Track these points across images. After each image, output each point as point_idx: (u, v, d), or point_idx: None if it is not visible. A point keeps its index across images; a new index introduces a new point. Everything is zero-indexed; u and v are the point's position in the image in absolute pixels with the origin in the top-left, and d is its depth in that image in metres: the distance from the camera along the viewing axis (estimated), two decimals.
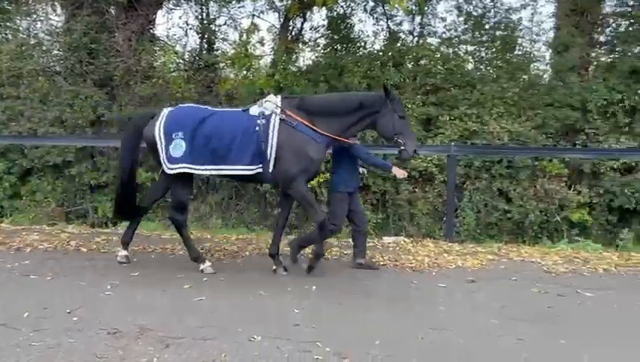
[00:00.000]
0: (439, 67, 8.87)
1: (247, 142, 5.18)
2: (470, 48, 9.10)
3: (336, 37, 9.38)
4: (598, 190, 8.09)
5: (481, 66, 8.93)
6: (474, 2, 9.28)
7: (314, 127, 5.25)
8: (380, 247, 6.83)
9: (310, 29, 9.61)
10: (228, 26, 9.79)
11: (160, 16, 10.10)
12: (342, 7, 9.57)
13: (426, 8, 9.24)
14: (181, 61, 9.59)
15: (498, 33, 8.92)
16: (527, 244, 7.45)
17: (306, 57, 9.68)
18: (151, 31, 9.75)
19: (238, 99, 8.84)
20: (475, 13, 9.18)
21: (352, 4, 9.62)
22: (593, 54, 8.87)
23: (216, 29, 9.71)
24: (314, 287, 5.05)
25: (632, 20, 8.38)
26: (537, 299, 4.90)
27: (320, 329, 4.01)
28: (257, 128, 5.19)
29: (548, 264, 6.08)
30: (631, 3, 8.57)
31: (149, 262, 5.95)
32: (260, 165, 5.20)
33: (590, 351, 3.72)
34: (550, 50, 9.06)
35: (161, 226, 8.06)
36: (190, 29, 9.65)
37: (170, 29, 9.79)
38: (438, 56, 8.95)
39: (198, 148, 5.15)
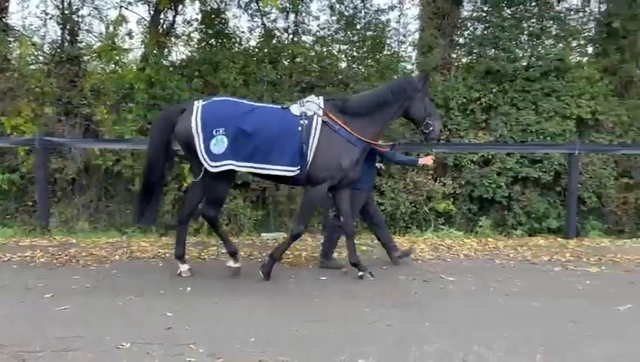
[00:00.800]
0: (314, 65, 9.02)
1: (290, 143, 4.98)
2: (343, 47, 9.34)
3: (210, 32, 9.17)
4: (461, 181, 8.68)
5: (354, 65, 9.20)
6: (345, 2, 9.54)
7: (353, 132, 5.11)
8: (259, 244, 6.83)
9: (183, 23, 9.31)
10: (92, 16, 9.20)
11: (14, 4, 9.24)
12: (216, 1, 9.40)
13: (300, 7, 9.33)
14: (40, 53, 8.84)
15: (368, 33, 9.25)
16: (399, 234, 7.86)
17: (179, 52, 9.37)
18: (3, 20, 8.89)
19: (106, 94, 8.36)
20: (346, 13, 9.44)
21: None
22: (454, 55, 9.51)
23: (80, 20, 9.07)
24: (189, 288, 4.92)
25: (487, 24, 9.09)
26: (405, 286, 5.17)
27: (194, 330, 3.92)
28: (300, 129, 5.00)
29: (415, 252, 6.44)
30: (486, 8, 9.28)
31: (5, 272, 5.43)
32: (299, 167, 5.00)
33: (450, 330, 4.00)
34: (416, 51, 9.57)
35: (21, 232, 7.41)
36: (50, 18, 8.93)
37: (25, 18, 8.93)
38: (313, 54, 9.09)
39: (240, 144, 4.89)
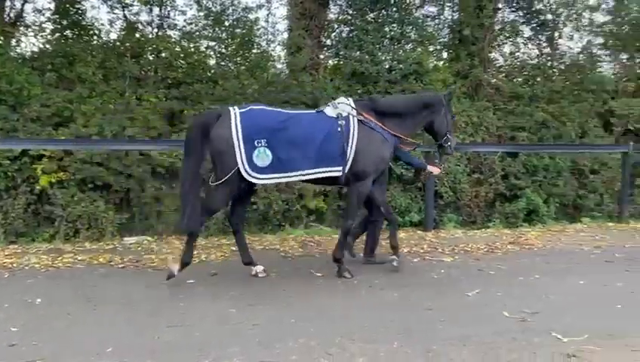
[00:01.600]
0: (181, 61, 8.76)
1: (332, 144, 5.12)
2: (212, 44, 9.18)
3: (65, 22, 8.54)
4: None
5: (223, 62, 9.09)
6: None
7: (386, 128, 5.34)
8: (120, 249, 6.47)
9: (33, 12, 8.56)
10: None
11: None
12: None
13: (165, 0, 9.01)
14: None
15: (237, 31, 9.18)
16: (272, 233, 7.89)
17: (29, 43, 8.60)
18: None
19: None
20: (214, 9, 9.29)
21: None
22: (322, 56, 9.76)
23: None
24: (38, 300, 4.52)
25: (352, 27, 9.44)
26: (274, 284, 5.19)
27: (42, 345, 3.61)
28: (339, 130, 5.15)
29: (285, 250, 6.50)
30: (351, 11, 9.63)
31: None
32: (341, 166, 5.11)
33: (316, 325, 4.08)
34: (285, 50, 9.67)
35: None
36: None
37: None
38: (179, 49, 8.82)
39: (284, 155, 4.92)
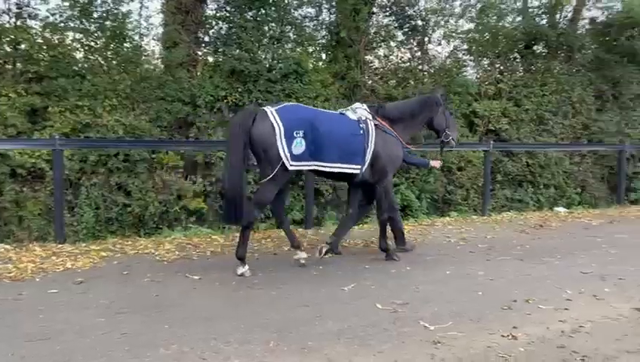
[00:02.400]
0: (43, 53, 8.08)
1: (355, 144, 5.70)
2: (78, 36, 8.55)
3: None
4: (211, 179, 8.71)
5: (91, 56, 8.50)
6: None
7: (395, 132, 6.07)
8: None
9: None
10: None
11: None
12: None
13: None
14: None
15: (107, 23, 8.64)
16: (149, 236, 7.54)
17: None
18: None
19: None
20: (81, 0, 8.65)
21: None
22: (200, 53, 9.49)
23: None
24: None
25: (231, 24, 9.27)
26: (147, 290, 4.95)
27: None
28: (361, 132, 5.75)
29: (161, 253, 6.25)
30: (229, 8, 9.46)
31: None
32: (360, 165, 5.72)
33: (190, 329, 3.95)
34: (160, 46, 9.28)
35: None
36: None
37: None
38: (42, 41, 8.13)
39: (315, 146, 5.41)
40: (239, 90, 8.94)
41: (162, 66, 9.12)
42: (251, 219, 5.49)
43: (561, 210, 10.17)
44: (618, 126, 11.68)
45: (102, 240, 7.06)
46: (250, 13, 9.33)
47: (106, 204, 8.10)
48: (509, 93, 10.96)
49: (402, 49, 10.82)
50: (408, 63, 10.83)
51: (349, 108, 6.13)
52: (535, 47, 11.64)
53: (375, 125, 5.92)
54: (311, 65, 9.73)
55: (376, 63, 10.74)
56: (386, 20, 10.78)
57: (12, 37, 8.03)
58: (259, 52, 9.29)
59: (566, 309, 4.47)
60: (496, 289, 5.03)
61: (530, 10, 12.22)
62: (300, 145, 5.33)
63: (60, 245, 6.44)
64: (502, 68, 11.42)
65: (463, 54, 11.44)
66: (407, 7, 10.67)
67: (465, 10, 11.38)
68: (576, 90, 11.36)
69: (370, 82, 10.27)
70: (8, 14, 8.27)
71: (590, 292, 4.93)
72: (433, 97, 6.55)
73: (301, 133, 5.32)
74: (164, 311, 4.34)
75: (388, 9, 10.70)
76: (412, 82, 10.55)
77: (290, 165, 5.31)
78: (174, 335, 3.85)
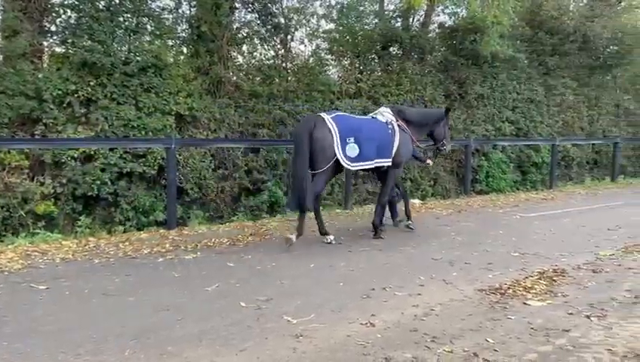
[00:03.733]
0: None
1: (386, 142, 7.17)
2: None
3: None
4: (62, 180, 8.05)
5: None
6: None
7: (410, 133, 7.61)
8: None
9: None
10: None
11: None
12: None
13: None
14: None
15: None
16: None
17: None
18: None
19: None
20: None
21: None
22: (46, 43, 8.71)
23: None
24: None
25: (80, 14, 8.60)
26: None
27: None
28: (390, 132, 7.24)
29: (2, 262, 5.63)
30: None
31: None
32: (390, 158, 7.21)
33: (35, 344, 3.59)
34: None
35: None
36: None
37: None
38: None
39: (363, 148, 6.83)
40: (91, 83, 8.35)
41: (0, 57, 8.22)
42: (312, 205, 6.77)
43: (415, 201, 10.86)
44: (464, 123, 12.74)
45: None
46: (102, 3, 8.74)
47: None
48: (368, 92, 11.44)
49: (266, 46, 10.82)
50: (272, 61, 10.86)
51: (377, 112, 7.60)
52: (391, 49, 12.27)
53: (398, 125, 7.36)
54: (171, 60, 9.37)
55: (240, 59, 10.62)
56: (249, 17, 10.70)
57: None
58: (113, 44, 8.74)
59: (419, 294, 4.76)
60: (356, 279, 5.22)
61: (386, 13, 12.87)
62: (354, 150, 6.72)
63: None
64: (361, 68, 11.89)
65: (325, 53, 11.72)
66: (269, 5, 10.69)
67: (326, 11, 11.67)
68: (428, 90, 12.19)
69: (234, 78, 10.13)
70: None
71: (440, 277, 5.30)
72: (442, 111, 8.17)
73: (352, 139, 6.71)
74: (2, 327, 3.90)
75: (251, 5, 10.62)
76: (277, 80, 10.60)
77: (349, 165, 6.77)
78: (15, 352, 3.47)
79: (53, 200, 8.04)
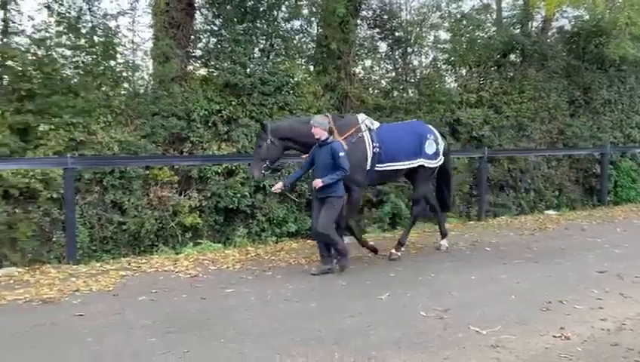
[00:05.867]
0: (33, 71, 7.82)
1: None
2: (68, 52, 8.31)
3: None
4: (206, 193, 8.60)
5: (82, 73, 8.27)
6: (66, 3, 8.50)
7: None
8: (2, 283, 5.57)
9: None
10: None
11: None
12: None
13: (9, 6, 7.97)
14: None
15: (97, 39, 8.43)
16: (146, 254, 7.39)
17: None
18: None
19: None
20: (68, 15, 8.42)
21: None
22: (191, 67, 9.40)
23: None
24: None
25: (220, 38, 9.23)
26: (185, 307, 4.87)
27: None
28: None
29: (181, 269, 6.15)
30: (217, 22, 9.44)
31: None
32: None
33: (241, 345, 3.92)
34: (152, 60, 9.13)
35: None
36: None
37: None
38: (31, 58, 7.87)
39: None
40: (233, 103, 8.90)
41: (153, 81, 8.97)
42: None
43: (551, 213, 10.56)
44: (590, 130, 12.25)
45: (112, 259, 6.86)
46: (240, 27, 9.32)
47: (101, 222, 7.89)
48: (489, 101, 11.32)
49: (387, 60, 11.02)
50: (393, 74, 11.05)
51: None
52: (511, 56, 12.08)
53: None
54: (302, 78, 9.79)
55: (363, 74, 10.89)
56: (370, 32, 10.96)
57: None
58: (250, 65, 9.29)
59: (601, 308, 4.68)
60: (526, 292, 5.21)
61: (504, 20, 12.69)
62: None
63: (75, 266, 6.23)
64: (481, 76, 11.79)
65: (443, 64, 11.74)
66: (389, 20, 10.90)
67: (444, 22, 11.70)
68: (551, 97, 11.86)
69: (358, 93, 10.40)
70: None
71: (616, 291, 5.17)
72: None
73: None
74: (213, 329, 4.28)
75: (372, 21, 10.89)
76: (397, 92, 10.77)
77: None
78: (235, 352, 3.81)
79: (198, 212, 8.61)
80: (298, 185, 9.05)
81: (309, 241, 8.03)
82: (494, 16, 12.78)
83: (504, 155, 11.13)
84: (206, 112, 8.69)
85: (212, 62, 9.23)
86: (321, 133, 6.04)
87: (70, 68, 8.33)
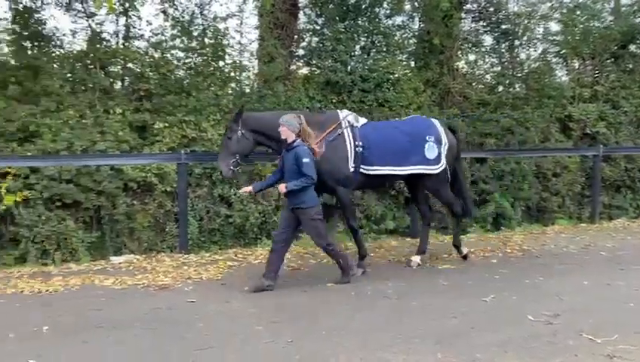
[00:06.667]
0: (151, 72, 8.41)
1: None
2: (181, 54, 8.86)
3: (25, 33, 7.98)
4: None
5: (194, 73, 8.78)
6: (180, 8, 9.07)
7: None
8: (111, 269, 6.08)
9: None
10: None
11: None
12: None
13: (130, 12, 8.63)
14: None
15: (207, 41, 8.91)
16: (249, 247, 7.69)
17: None
18: None
19: None
20: (182, 19, 8.97)
21: None
22: (294, 66, 9.65)
23: None
24: (45, 328, 4.15)
25: (322, 37, 9.40)
26: (286, 298, 5.03)
27: None
28: None
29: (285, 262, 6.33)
30: (319, 21, 9.61)
31: None
32: None
33: (344, 337, 3.97)
34: (257, 60, 9.48)
35: None
36: None
37: None
38: (149, 60, 8.48)
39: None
40: (333, 100, 9.02)
41: (258, 81, 9.31)
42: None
43: None
44: None
45: (220, 250, 7.22)
46: (342, 25, 9.42)
47: (210, 215, 8.31)
48: (605, 96, 10.57)
49: (492, 54, 10.64)
50: (498, 68, 10.64)
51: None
52: (631, 47, 11.19)
53: None
54: (403, 74, 9.71)
55: (466, 69, 10.59)
56: (474, 25, 10.64)
57: (122, 58, 8.41)
58: (351, 62, 9.36)
59: None
60: None
61: (623, 9, 11.78)
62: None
63: (186, 255, 6.64)
64: (596, 69, 11.04)
65: (554, 57, 11.12)
66: (495, 12, 10.50)
67: (555, 12, 11.08)
68: None
69: (461, 88, 10.13)
70: (117, 36, 8.67)
71: None
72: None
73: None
74: (315, 321, 4.38)
75: (477, 14, 10.55)
76: (502, 88, 10.37)
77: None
78: (337, 345, 3.87)
79: None
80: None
81: (407, 239, 7.95)
82: (612, 5, 11.88)
83: (621, 153, 10.34)
84: (307, 110, 8.88)
85: (314, 61, 9.41)
86: (287, 135, 5.35)
87: (183, 69, 8.87)
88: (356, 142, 5.82)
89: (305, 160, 5.20)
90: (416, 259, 6.30)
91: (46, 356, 3.64)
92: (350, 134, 5.88)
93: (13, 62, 7.74)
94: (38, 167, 6.89)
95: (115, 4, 7.32)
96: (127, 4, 8.34)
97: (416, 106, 9.41)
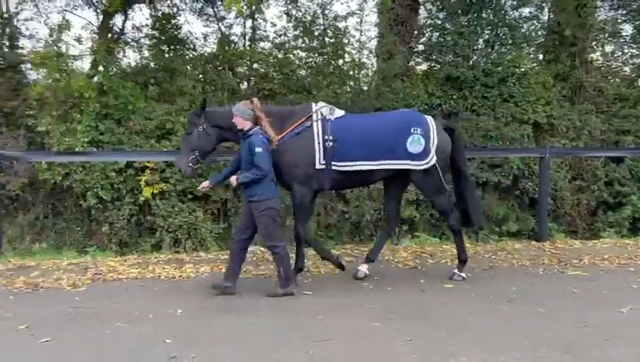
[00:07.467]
0: (274, 72, 8.76)
1: None
2: (302, 54, 9.13)
3: (163, 37, 8.68)
4: None
5: (314, 72, 9.00)
6: (303, 9, 9.34)
7: None
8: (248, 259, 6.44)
9: (133, 29, 8.79)
10: (36, 20, 8.50)
11: None
12: (167, 6, 8.94)
13: (256, 14, 9.05)
14: None
15: (327, 40, 9.08)
16: (365, 243, 7.71)
17: (130, 58, 8.83)
18: None
19: (50, 103, 7.71)
20: (304, 20, 9.22)
21: (178, 3, 9.07)
22: (413, 62, 9.55)
23: (21, 24, 8.35)
24: (179, 311, 4.49)
25: (444, 32, 9.19)
26: (403, 296, 4.99)
27: (202, 357, 3.55)
28: None
29: (400, 260, 6.31)
30: (441, 16, 9.41)
31: None
32: None
33: (465, 341, 3.86)
34: (375, 58, 9.50)
35: None
36: None
37: None
38: (273, 60, 8.83)
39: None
40: (454, 96, 8.80)
41: (376, 78, 9.31)
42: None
43: None
44: None
45: (339, 245, 7.35)
46: (465, 19, 9.15)
47: (326, 210, 8.47)
48: None
49: (632, 45, 9.75)
50: (639, 60, 9.73)
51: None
52: None
53: None
54: (531, 68, 9.22)
55: (601, 61, 9.81)
56: (612, 14, 9.82)
57: (248, 58, 8.84)
58: (474, 57, 9.06)
59: None
60: None
61: None
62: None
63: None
64: None
65: None
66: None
67: None
68: None
69: (595, 82, 9.40)
70: (244, 37, 9.13)
71: None
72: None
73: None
74: (433, 321, 4.31)
75: (615, 1, 9.73)
76: None
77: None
78: (458, 347, 3.78)
79: (415, 206, 8.70)
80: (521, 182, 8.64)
81: (533, 243, 7.54)
82: None
83: None
84: (426, 107, 8.74)
85: (434, 57, 9.25)
86: (243, 124, 4.94)
87: (304, 68, 9.13)
88: (326, 137, 5.18)
89: (257, 149, 4.78)
90: (363, 268, 5.67)
91: (181, 336, 3.92)
92: (320, 127, 5.24)
93: (152, 64, 8.43)
94: (172, 161, 7.41)
95: (242, 7, 7.71)
96: (253, 8, 8.74)
97: (545, 102, 8.91)
